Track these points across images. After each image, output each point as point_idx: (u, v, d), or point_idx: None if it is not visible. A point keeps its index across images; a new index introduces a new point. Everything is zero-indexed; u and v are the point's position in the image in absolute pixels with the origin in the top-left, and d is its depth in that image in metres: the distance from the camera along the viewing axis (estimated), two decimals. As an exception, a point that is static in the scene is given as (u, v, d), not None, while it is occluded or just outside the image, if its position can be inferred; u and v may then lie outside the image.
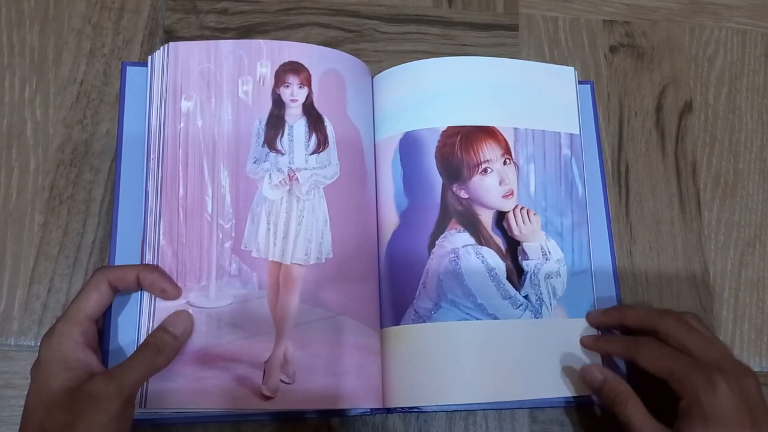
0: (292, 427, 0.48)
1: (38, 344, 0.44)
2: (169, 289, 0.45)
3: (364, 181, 0.50)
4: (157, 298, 0.45)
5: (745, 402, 0.41)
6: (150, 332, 0.44)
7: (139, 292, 0.46)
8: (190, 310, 0.45)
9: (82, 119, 0.53)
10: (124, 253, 0.47)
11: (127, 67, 0.52)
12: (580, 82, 0.56)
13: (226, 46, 0.50)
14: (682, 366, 0.43)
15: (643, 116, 0.59)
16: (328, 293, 0.47)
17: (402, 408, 0.48)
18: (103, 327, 0.45)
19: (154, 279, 0.45)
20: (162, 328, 0.44)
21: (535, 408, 0.51)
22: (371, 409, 0.47)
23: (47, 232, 0.50)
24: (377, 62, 0.56)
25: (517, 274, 0.50)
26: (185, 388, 0.44)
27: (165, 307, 0.45)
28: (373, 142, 0.52)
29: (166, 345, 0.43)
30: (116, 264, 0.47)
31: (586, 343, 0.49)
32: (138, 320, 0.45)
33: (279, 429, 0.48)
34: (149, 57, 0.50)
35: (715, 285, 0.56)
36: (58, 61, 0.54)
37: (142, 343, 0.43)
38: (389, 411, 0.48)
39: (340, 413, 0.48)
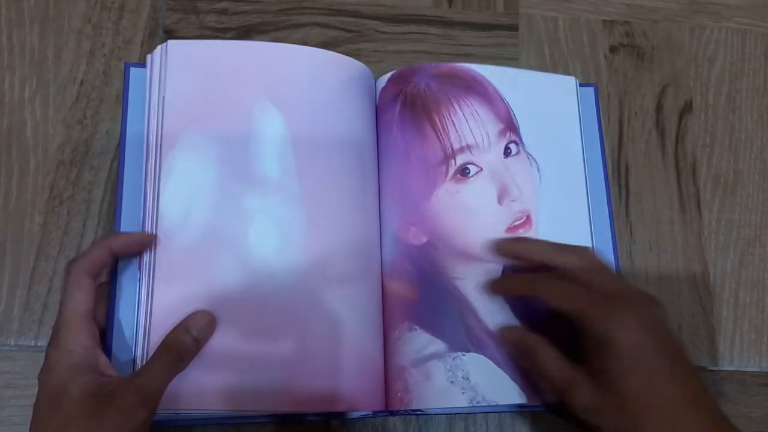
0: (292, 428, 0.48)
1: (38, 344, 0.44)
2: (144, 238, 0.45)
3: (365, 182, 0.50)
4: (154, 287, 0.44)
5: (654, 332, 0.40)
6: (162, 329, 0.43)
7: (137, 282, 0.45)
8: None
9: (82, 119, 0.53)
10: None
11: (131, 69, 0.51)
12: (582, 85, 0.55)
13: (227, 46, 0.49)
14: (585, 301, 0.42)
15: (643, 116, 0.59)
16: (330, 293, 0.46)
17: (405, 411, 0.47)
18: (105, 323, 0.45)
19: (125, 241, 0.44)
20: (184, 328, 0.43)
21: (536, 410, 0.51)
22: (373, 411, 0.47)
23: (47, 232, 0.50)
24: (377, 62, 0.56)
25: None
26: (187, 389, 0.43)
27: (164, 304, 0.44)
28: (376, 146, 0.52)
29: (188, 351, 0.42)
30: (118, 264, 0.47)
31: (489, 286, 0.47)
32: (137, 311, 0.45)
33: (279, 430, 0.48)
34: (148, 56, 0.49)
35: (715, 285, 0.56)
36: (58, 61, 0.54)
37: (164, 346, 0.42)
38: (392, 413, 0.48)
39: (342, 415, 0.48)
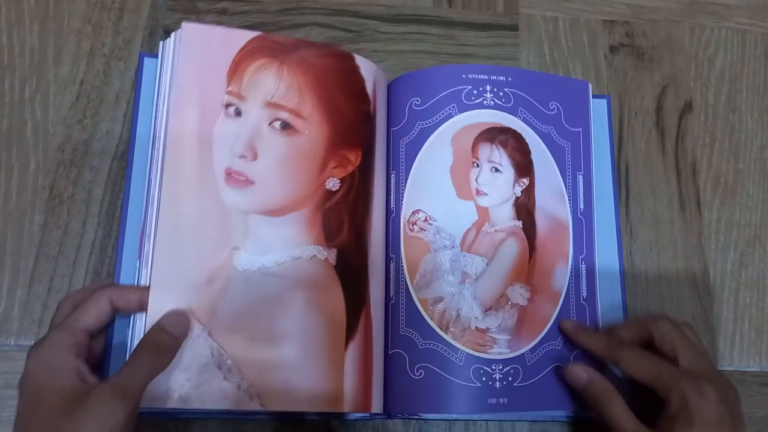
0: (292, 428, 0.48)
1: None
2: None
3: (367, 178, 0.50)
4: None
5: (728, 409, 0.42)
6: (146, 331, 0.43)
7: (137, 271, 0.45)
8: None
9: (82, 119, 0.53)
10: (131, 254, 0.47)
11: (145, 59, 0.51)
12: (594, 96, 0.55)
13: (247, 35, 0.48)
14: (670, 372, 0.44)
15: (643, 116, 0.59)
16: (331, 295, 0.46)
17: (402, 415, 0.47)
18: (104, 345, 0.45)
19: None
20: (159, 327, 0.42)
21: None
22: (371, 414, 0.47)
23: (47, 232, 0.50)
24: (377, 62, 0.56)
25: None
26: (189, 388, 0.42)
27: (161, 300, 0.43)
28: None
29: (165, 347, 0.42)
30: (121, 272, 0.47)
31: (566, 327, 0.49)
32: (132, 322, 0.44)
33: (279, 429, 0.48)
34: (160, 43, 0.48)
35: (715, 285, 0.56)
36: (58, 61, 0.54)
37: (139, 346, 0.42)
38: (390, 416, 0.48)
39: (341, 415, 0.48)
